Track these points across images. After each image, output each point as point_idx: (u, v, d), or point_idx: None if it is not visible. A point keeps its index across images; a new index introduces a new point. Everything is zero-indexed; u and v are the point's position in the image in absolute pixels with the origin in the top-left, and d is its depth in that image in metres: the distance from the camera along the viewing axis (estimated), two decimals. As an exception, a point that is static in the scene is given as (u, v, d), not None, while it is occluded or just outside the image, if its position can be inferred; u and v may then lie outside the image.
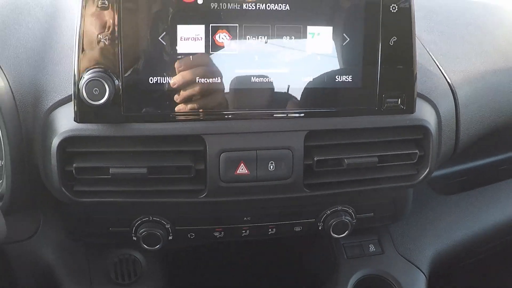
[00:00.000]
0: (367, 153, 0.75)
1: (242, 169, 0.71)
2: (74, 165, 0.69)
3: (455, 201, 1.09)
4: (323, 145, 0.74)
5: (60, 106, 0.71)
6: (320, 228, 0.88)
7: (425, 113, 0.79)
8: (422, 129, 0.77)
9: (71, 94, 0.68)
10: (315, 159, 0.73)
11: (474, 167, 1.23)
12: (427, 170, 0.79)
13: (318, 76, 0.71)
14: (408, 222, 1.03)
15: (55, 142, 0.68)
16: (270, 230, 0.87)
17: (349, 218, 0.86)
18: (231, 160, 0.70)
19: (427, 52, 0.92)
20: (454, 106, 0.86)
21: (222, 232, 0.86)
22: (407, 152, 0.77)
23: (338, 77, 0.72)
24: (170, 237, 0.83)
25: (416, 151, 0.77)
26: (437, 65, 0.90)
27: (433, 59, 0.91)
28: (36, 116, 0.72)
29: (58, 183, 0.70)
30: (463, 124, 0.87)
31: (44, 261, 0.90)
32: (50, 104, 0.72)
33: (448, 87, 0.87)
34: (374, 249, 0.98)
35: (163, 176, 0.71)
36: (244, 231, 0.87)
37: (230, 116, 0.70)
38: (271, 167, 0.71)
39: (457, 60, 0.92)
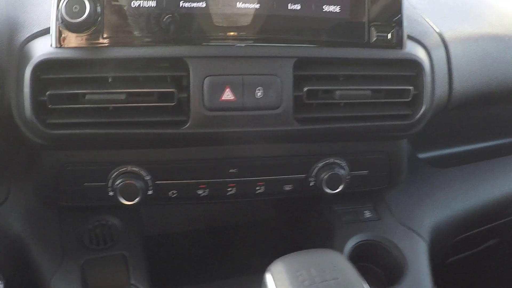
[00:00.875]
0: (359, 86, 0.72)
1: (228, 95, 0.67)
2: (47, 92, 0.65)
3: (452, 173, 1.05)
4: (314, 76, 0.71)
5: (37, 38, 0.68)
6: (311, 184, 0.82)
7: (417, 52, 0.77)
8: (415, 65, 0.75)
9: (49, 27, 0.66)
10: (305, 89, 0.69)
11: (468, 150, 1.21)
12: (422, 109, 0.76)
13: (306, 5, 0.69)
14: (404, 192, 0.98)
15: (29, 68, 0.65)
16: (258, 187, 0.82)
17: (342, 171, 0.81)
18: (216, 84, 0.66)
19: (415, 9, 0.92)
20: (445, 55, 0.84)
21: (207, 190, 0.80)
22: (400, 87, 0.74)
23: (325, 7, 0.70)
24: (150, 192, 0.77)
25: (410, 87, 0.75)
26: (426, 20, 0.89)
27: (422, 16, 0.91)
28: (11, 48, 0.69)
29: (30, 115, 0.65)
30: (455, 74, 0.85)
31: (14, 230, 0.83)
32: (27, 36, 0.69)
33: (439, 38, 0.86)
34: (370, 215, 0.92)
35: (143, 105, 0.67)
36: (230, 189, 0.81)
37: (215, 40, 0.67)
38: (259, 93, 0.67)
39: (447, 20, 0.92)
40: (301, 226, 1.00)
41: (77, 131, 0.67)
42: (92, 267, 0.79)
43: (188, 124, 0.67)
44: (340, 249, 0.86)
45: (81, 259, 0.80)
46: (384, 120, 0.76)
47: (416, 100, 0.76)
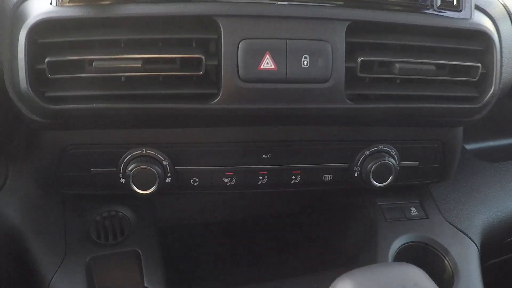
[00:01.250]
0: (420, 59, 0.60)
1: (267, 63, 0.55)
2: (46, 59, 0.54)
3: (503, 168, 0.96)
4: (368, 44, 0.60)
5: None
6: (356, 174, 0.71)
7: (486, 23, 0.66)
8: (484, 38, 0.65)
9: None
10: (360, 59, 0.58)
11: None
12: (491, 92, 0.65)
13: None
14: (452, 187, 0.88)
15: (24, 31, 0.54)
16: (293, 177, 0.71)
17: (393, 161, 0.70)
18: (253, 50, 0.55)
19: None
20: None
21: (234, 178, 0.69)
22: (467, 64, 0.63)
23: None
24: (168, 179, 0.67)
25: (478, 64, 0.64)
26: None
27: None
28: (4, 9, 0.59)
29: (25, 86, 0.55)
30: None
31: (11, 221, 0.74)
32: None
33: (504, 8, 0.74)
34: (417, 213, 0.81)
35: (163, 74, 0.56)
36: (261, 177, 0.70)
37: None
38: (305, 62, 0.56)
39: None
40: (337, 222, 0.89)
41: (82, 106, 0.57)
42: (100, 266, 0.69)
43: (218, 98, 0.56)
44: (385, 250, 0.75)
45: (87, 256, 0.70)
46: (447, 102, 0.65)
47: (484, 80, 0.65)
